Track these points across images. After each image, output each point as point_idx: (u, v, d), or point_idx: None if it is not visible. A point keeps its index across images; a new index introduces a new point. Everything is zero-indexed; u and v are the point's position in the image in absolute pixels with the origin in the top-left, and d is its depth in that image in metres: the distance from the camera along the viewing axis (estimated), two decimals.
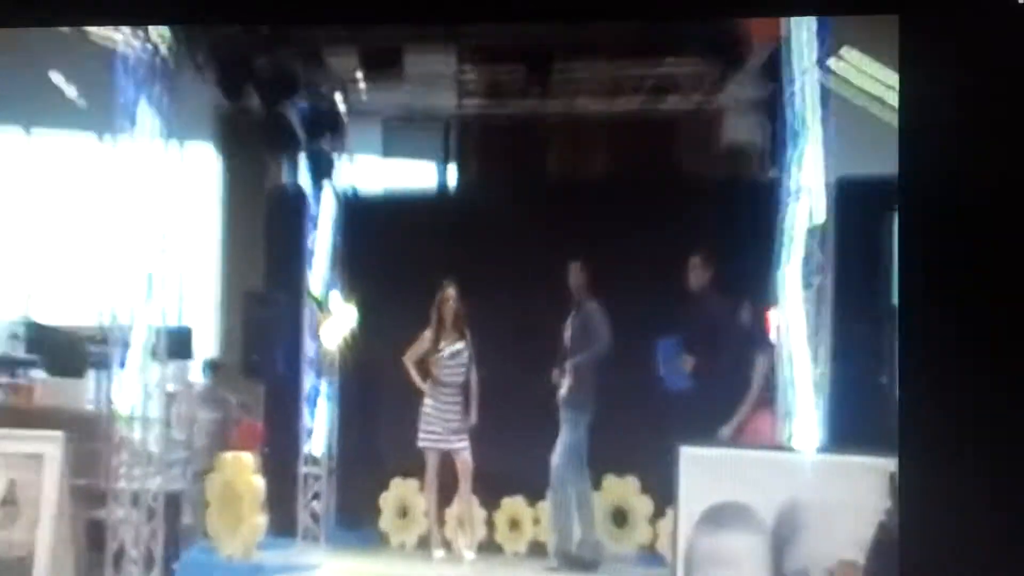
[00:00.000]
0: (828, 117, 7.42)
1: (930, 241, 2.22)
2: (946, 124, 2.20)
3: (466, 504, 8.77)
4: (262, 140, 9.73)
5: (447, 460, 8.76)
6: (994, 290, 2.16)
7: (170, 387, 10.03)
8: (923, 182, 2.21)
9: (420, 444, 8.78)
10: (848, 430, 6.99)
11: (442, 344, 8.77)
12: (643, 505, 8.93)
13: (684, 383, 7.89)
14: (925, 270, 2.22)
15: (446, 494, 8.93)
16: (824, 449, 7.00)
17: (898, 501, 2.27)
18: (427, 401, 8.76)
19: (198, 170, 12.94)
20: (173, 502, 9.20)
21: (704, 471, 6.65)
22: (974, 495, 2.18)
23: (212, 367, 10.12)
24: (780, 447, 7.28)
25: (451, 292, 8.84)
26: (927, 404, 2.21)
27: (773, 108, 8.01)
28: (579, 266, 8.52)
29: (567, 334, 8.52)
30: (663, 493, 7.86)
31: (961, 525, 2.17)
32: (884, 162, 4.91)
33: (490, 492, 9.22)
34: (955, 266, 2.18)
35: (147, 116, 8.16)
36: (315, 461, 9.59)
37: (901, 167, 2.31)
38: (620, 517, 8.93)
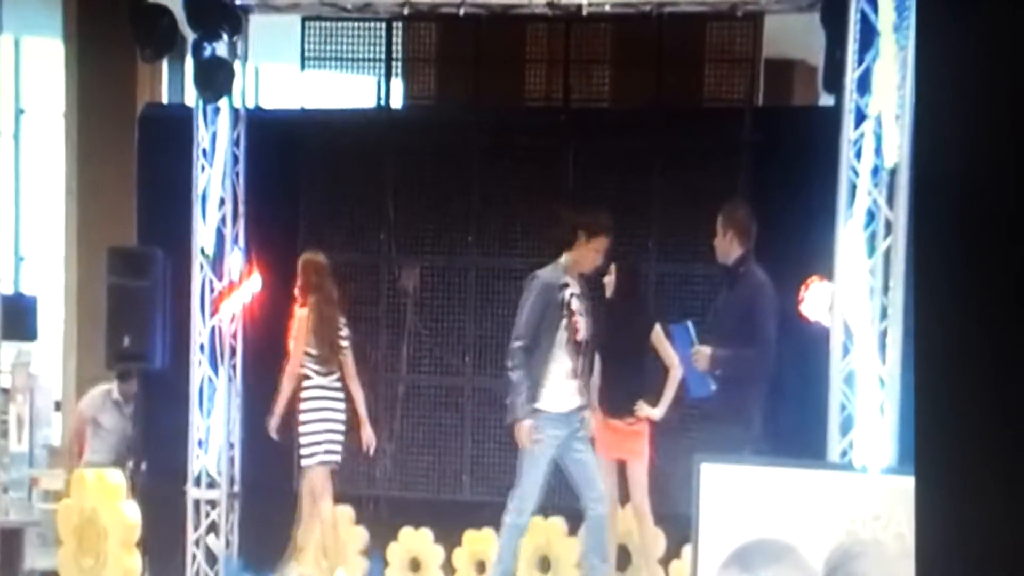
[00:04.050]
0: (907, 21, 7.86)
1: (949, 230, 2.65)
2: (967, 100, 2.62)
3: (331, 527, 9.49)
4: (132, 39, 10.01)
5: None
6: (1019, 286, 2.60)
7: (6, 380, 10.50)
8: (941, 168, 2.64)
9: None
10: None
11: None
12: (652, 541, 9.47)
13: (704, 387, 8.30)
14: (942, 262, 2.67)
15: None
16: (894, 470, 7.50)
17: (916, 520, 2.76)
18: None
19: (44, 81, 13.23)
20: (11, 540, 9.67)
21: (733, 497, 7.05)
22: (996, 510, 2.68)
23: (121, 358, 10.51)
24: (837, 466, 7.79)
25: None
26: (946, 410, 2.70)
27: (833, 8, 8.47)
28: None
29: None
30: (678, 526, 8.43)
31: (980, 542, 2.68)
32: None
33: (448, 523, 9.80)
34: (976, 259, 2.63)
35: None
36: (211, 481, 10.04)
37: (915, 147, 2.78)
38: (622, 557, 9.50)
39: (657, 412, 8.84)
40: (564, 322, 8.59)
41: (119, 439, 10.42)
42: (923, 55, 2.67)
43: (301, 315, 9.27)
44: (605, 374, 8.92)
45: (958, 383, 2.54)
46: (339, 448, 9.37)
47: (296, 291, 9.43)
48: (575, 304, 8.61)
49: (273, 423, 9.32)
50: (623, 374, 8.85)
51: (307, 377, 9.29)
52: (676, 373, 8.72)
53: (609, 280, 8.90)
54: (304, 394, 9.30)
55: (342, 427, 9.35)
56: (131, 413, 10.44)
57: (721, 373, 8.22)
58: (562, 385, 8.65)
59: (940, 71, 2.56)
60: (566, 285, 8.58)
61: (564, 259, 8.62)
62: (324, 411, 9.29)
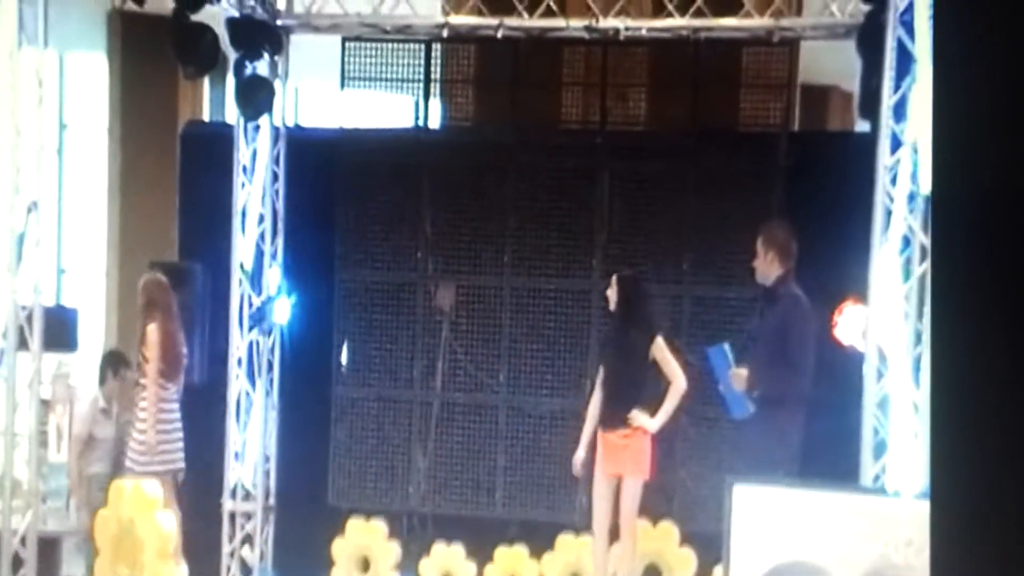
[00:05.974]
0: None
1: (965, 255, 2.62)
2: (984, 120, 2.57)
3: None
4: (174, 57, 10.10)
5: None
6: None
7: (46, 391, 10.57)
8: (959, 191, 2.60)
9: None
10: None
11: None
12: (683, 561, 9.52)
13: (743, 408, 8.33)
14: (958, 287, 2.64)
15: None
16: (927, 495, 7.50)
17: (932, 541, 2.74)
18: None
19: (87, 96, 13.36)
20: (49, 548, 9.73)
21: (766, 518, 7.08)
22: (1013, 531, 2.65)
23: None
24: (870, 490, 7.81)
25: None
26: (962, 432, 2.67)
27: (869, 35, 8.49)
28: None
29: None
30: (710, 546, 8.45)
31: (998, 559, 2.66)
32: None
33: (480, 539, 9.84)
34: (992, 285, 2.60)
35: (12, 15, 8.47)
36: (246, 494, 10.13)
37: (935, 162, 2.70)
38: (653, 575, 9.53)
39: (652, 423, 8.69)
40: None
41: (113, 445, 10.47)
42: (940, 75, 2.64)
43: (151, 331, 9.66)
44: (605, 387, 8.90)
45: (974, 410, 2.53)
46: (182, 455, 9.79)
47: (140, 309, 9.83)
48: None
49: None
50: (620, 387, 8.81)
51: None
52: (678, 386, 8.67)
53: (611, 293, 8.92)
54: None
55: (181, 435, 9.80)
56: (118, 414, 10.51)
57: (759, 394, 8.24)
58: None
59: (958, 91, 2.54)
60: None
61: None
62: (171, 422, 9.73)
